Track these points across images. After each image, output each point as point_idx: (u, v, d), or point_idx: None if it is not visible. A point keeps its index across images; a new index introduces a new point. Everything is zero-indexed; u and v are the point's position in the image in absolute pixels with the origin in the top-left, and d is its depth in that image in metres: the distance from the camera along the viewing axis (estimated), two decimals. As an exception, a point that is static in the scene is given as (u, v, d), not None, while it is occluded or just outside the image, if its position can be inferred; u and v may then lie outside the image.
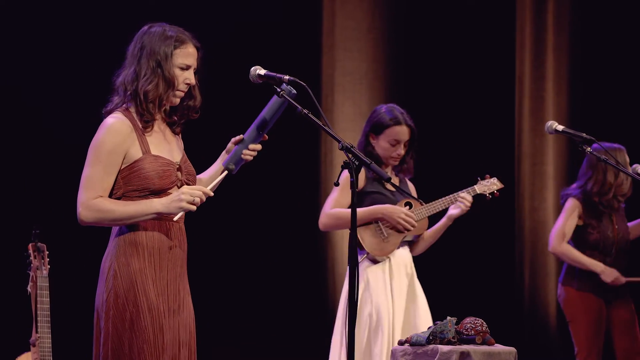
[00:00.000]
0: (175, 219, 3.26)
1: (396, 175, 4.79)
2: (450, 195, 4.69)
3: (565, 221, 5.61)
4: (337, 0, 6.69)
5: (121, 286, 3.27)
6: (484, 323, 4.09)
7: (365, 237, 4.60)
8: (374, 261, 4.62)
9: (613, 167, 4.58)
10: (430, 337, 3.97)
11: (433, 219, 4.76)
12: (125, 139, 3.30)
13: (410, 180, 4.85)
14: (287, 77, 3.36)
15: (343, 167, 3.23)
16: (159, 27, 3.41)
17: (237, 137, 3.44)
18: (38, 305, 4.35)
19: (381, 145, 4.66)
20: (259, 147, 3.42)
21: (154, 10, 5.90)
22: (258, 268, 6.21)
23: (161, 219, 3.31)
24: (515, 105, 7.08)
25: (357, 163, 3.19)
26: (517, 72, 7.10)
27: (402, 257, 4.67)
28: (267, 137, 3.44)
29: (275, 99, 3.39)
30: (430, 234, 4.76)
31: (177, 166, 3.38)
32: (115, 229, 3.35)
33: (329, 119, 6.51)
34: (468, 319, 4.09)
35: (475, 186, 4.75)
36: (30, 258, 4.39)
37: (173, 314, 3.31)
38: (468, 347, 3.92)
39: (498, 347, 4.02)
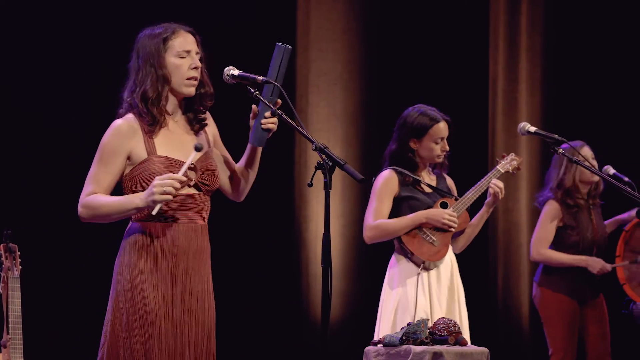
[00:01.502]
0: (153, 212, 3.23)
1: (432, 173, 4.80)
2: (479, 183, 4.70)
3: (544, 228, 5.64)
4: (312, 1, 6.68)
5: (121, 286, 3.30)
6: (457, 323, 4.11)
7: (416, 248, 4.58)
8: (427, 269, 4.59)
9: (583, 166, 4.61)
10: (404, 338, 3.98)
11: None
12: (127, 140, 3.32)
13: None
14: (261, 77, 3.35)
15: (317, 168, 3.23)
16: (147, 30, 3.43)
17: (253, 112, 3.39)
18: (9, 307, 4.31)
19: (426, 146, 4.67)
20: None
21: (131, 11, 5.87)
22: (232, 269, 6.19)
23: (170, 221, 3.31)
24: (488, 106, 7.11)
25: (330, 164, 3.19)
26: (491, 74, 7.13)
27: (445, 258, 4.65)
28: (280, 101, 3.37)
29: (275, 51, 3.36)
30: (471, 228, 4.76)
31: (191, 166, 3.34)
32: (125, 230, 3.38)
33: (304, 120, 6.50)
34: (441, 320, 4.11)
35: (498, 167, 4.79)
36: (2, 259, 4.36)
37: (180, 314, 3.31)
38: (441, 348, 3.93)
39: (471, 348, 4.03)
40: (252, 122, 3.41)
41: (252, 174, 3.53)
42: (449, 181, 4.85)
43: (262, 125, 3.36)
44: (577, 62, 7.20)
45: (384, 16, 6.85)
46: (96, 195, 3.30)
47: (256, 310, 6.25)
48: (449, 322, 4.07)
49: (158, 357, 3.25)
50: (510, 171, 4.82)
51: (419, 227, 4.59)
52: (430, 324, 4.11)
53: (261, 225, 6.30)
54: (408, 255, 4.59)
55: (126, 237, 3.36)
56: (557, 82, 7.24)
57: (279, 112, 3.32)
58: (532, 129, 4.34)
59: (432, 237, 4.58)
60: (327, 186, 3.18)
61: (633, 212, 5.78)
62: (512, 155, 4.86)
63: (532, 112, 7.18)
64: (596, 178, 5.59)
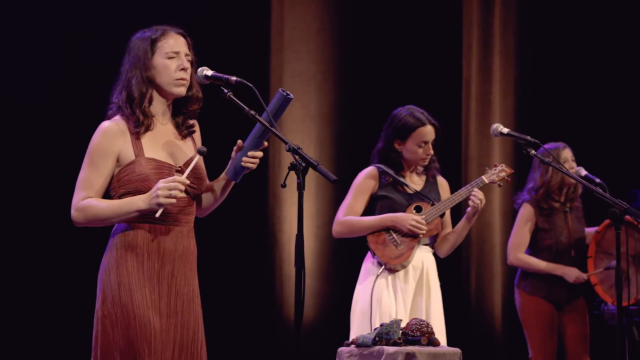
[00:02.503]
0: (157, 215, 3.23)
1: (424, 174, 4.77)
2: (458, 192, 4.65)
3: (519, 232, 5.66)
4: (286, 2, 6.68)
5: (109, 287, 3.29)
6: (430, 324, 4.12)
7: (378, 248, 4.57)
8: (392, 270, 4.58)
9: (554, 167, 4.63)
10: (377, 339, 3.99)
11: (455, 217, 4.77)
12: (116, 141, 3.32)
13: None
14: (234, 78, 3.35)
15: (290, 169, 3.23)
16: (138, 33, 3.45)
17: (237, 145, 3.42)
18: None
19: (409, 149, 4.64)
20: (259, 154, 3.40)
21: (104, 10, 5.85)
22: (205, 269, 6.17)
23: (157, 222, 3.31)
24: (462, 107, 7.14)
25: (303, 165, 3.19)
26: (464, 75, 7.16)
27: (415, 259, 4.63)
28: (266, 143, 3.42)
29: (277, 96, 3.38)
30: (454, 235, 4.73)
31: (178, 168, 3.36)
32: (112, 230, 3.37)
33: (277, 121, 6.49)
34: (414, 320, 4.12)
35: (483, 177, 4.72)
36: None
37: (166, 316, 3.31)
38: (414, 348, 3.94)
39: (443, 348, 4.05)
40: (234, 154, 3.44)
41: (220, 200, 3.57)
42: (442, 183, 4.80)
43: (242, 163, 3.38)
44: (550, 63, 7.25)
45: (358, 17, 6.86)
46: (91, 199, 3.29)
47: (230, 311, 6.24)
48: (421, 322, 4.08)
49: (148, 357, 3.24)
50: (497, 182, 4.74)
51: (387, 228, 4.58)
52: (403, 325, 4.12)
53: (235, 226, 6.29)
54: (372, 254, 4.60)
55: (113, 236, 3.36)
56: (530, 83, 7.28)
57: (252, 112, 3.32)
58: (505, 130, 4.34)
59: (398, 240, 4.57)
60: (301, 187, 3.19)
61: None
62: (501, 166, 4.79)
63: (505, 113, 7.22)
64: (573, 180, 5.61)
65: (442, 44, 7.03)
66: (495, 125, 4.39)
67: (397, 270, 4.57)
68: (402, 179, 4.66)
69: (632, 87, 7.17)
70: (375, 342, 3.98)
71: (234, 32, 6.34)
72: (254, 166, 3.40)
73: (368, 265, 4.63)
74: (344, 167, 6.42)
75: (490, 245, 7.15)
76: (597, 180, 5.45)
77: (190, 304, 3.39)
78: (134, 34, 3.45)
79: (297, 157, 3.20)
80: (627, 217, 4.46)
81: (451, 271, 6.92)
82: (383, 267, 4.56)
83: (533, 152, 4.24)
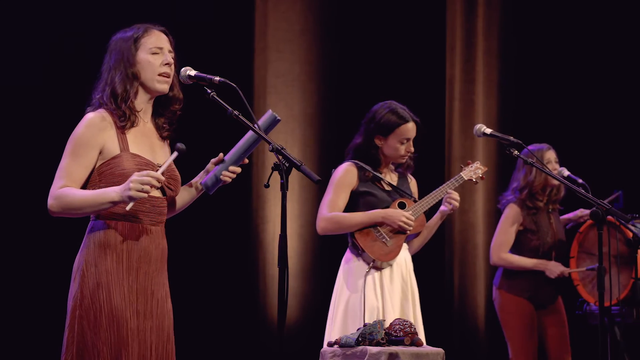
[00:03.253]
0: (127, 208, 3.20)
1: (396, 170, 4.76)
2: (440, 188, 4.65)
3: (504, 232, 5.66)
4: (269, 2, 6.67)
5: (87, 286, 3.27)
6: (413, 324, 4.12)
7: (367, 246, 4.53)
8: (378, 268, 4.56)
9: (537, 168, 4.65)
10: (360, 339, 3.99)
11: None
12: (101, 133, 3.30)
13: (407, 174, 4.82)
14: (217, 78, 3.35)
15: (273, 169, 3.23)
16: (120, 33, 3.44)
17: (217, 157, 3.43)
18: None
19: (391, 145, 4.63)
20: (238, 169, 3.43)
21: (91, 10, 5.84)
22: (189, 269, 6.18)
23: (135, 221, 3.30)
24: (445, 107, 7.15)
25: (287, 165, 3.19)
26: (448, 75, 7.17)
27: (399, 258, 4.62)
28: (247, 160, 3.44)
29: (267, 115, 3.39)
30: (426, 230, 4.72)
31: (159, 167, 3.35)
32: (87, 228, 3.34)
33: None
34: (397, 320, 4.12)
35: (461, 173, 4.74)
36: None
37: (143, 317, 3.30)
38: (397, 348, 3.94)
39: (426, 348, 4.05)
40: (211, 166, 3.46)
41: (187, 205, 3.58)
42: (412, 182, 4.81)
43: (221, 176, 3.39)
44: (534, 64, 7.28)
45: (342, 17, 6.87)
46: (68, 188, 3.25)
47: (213, 311, 6.23)
48: (405, 322, 4.08)
49: (126, 358, 3.23)
50: (474, 180, 4.77)
51: (374, 225, 4.57)
52: (386, 325, 4.12)
53: (218, 226, 6.28)
54: (359, 252, 4.57)
55: (89, 234, 3.33)
56: (513, 84, 7.31)
57: (236, 112, 3.32)
58: (488, 130, 4.35)
59: (386, 236, 4.55)
60: (284, 187, 3.19)
61: (578, 212, 5.84)
62: (477, 164, 4.80)
63: (489, 113, 7.24)
64: (557, 182, 5.62)
65: (425, 45, 7.04)
66: (478, 126, 4.40)
67: (384, 268, 4.56)
68: (379, 175, 4.65)
69: (616, 88, 7.21)
70: (358, 343, 3.98)
71: (217, 32, 6.33)
72: (230, 180, 3.43)
73: (353, 263, 4.59)
74: (327, 167, 6.39)
75: (473, 245, 7.16)
76: (580, 180, 5.47)
77: (164, 304, 3.39)
78: (115, 34, 3.44)
79: (280, 157, 3.21)
80: (610, 217, 4.48)
81: (434, 271, 6.95)
82: (371, 264, 4.54)
83: (516, 152, 4.25)
